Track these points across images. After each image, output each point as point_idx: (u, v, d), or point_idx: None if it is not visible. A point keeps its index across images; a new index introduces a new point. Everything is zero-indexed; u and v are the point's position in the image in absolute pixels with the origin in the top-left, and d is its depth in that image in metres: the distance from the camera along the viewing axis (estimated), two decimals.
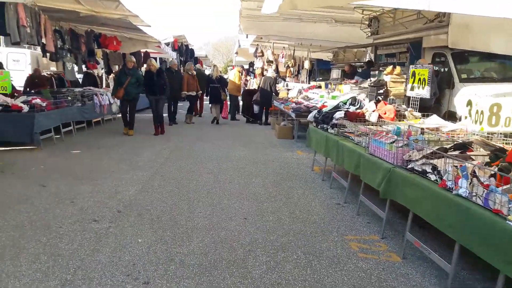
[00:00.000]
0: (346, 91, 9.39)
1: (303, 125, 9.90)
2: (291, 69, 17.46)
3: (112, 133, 9.77)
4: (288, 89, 13.29)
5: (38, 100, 7.44)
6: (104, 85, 14.32)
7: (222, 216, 4.45)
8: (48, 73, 12.71)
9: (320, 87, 11.74)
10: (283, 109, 10.32)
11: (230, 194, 5.28)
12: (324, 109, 6.41)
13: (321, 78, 19.41)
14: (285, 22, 11.49)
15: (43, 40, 8.70)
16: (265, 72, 14.97)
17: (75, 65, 10.96)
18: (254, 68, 23.52)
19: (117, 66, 15.38)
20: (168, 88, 9.92)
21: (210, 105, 12.71)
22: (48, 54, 9.77)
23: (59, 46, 9.65)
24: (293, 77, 18.52)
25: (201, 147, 8.48)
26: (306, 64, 15.01)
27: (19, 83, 11.32)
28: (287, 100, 10.99)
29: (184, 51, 25.05)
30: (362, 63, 15.30)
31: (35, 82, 10.83)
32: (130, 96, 9.38)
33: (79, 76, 13.09)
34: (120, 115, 10.83)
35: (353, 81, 9.42)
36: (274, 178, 6.21)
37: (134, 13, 9.81)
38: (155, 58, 24.52)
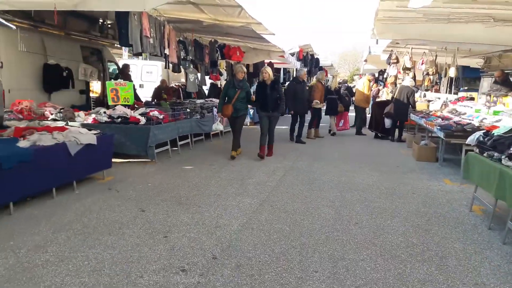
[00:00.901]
0: None
1: (449, 145, 7.91)
2: (431, 77, 15.07)
3: (228, 148, 9.18)
4: (429, 101, 11.18)
5: (155, 112, 7.18)
6: None
7: (347, 282, 3.16)
8: (177, 84, 13.02)
9: (472, 99, 9.47)
10: (424, 125, 8.45)
11: (357, 243, 3.94)
12: (495, 131, 4.60)
13: (466, 88, 16.49)
14: (428, 24, 9.53)
15: (166, 51, 8.55)
16: (399, 81, 13.06)
17: (198, 76, 10.78)
18: (385, 76, 21.37)
19: None
20: (283, 104, 8.32)
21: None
22: (171, 65, 9.70)
23: (182, 57, 9.51)
24: (431, 86, 16.06)
25: (321, 168, 7.24)
26: (452, 72, 12.56)
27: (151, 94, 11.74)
28: (429, 114, 9.05)
29: (309, 60, 24.18)
30: None
31: (162, 93, 11.02)
32: (238, 114, 7.89)
33: (205, 88, 13.13)
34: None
35: None
36: (417, 220, 4.64)
37: (257, 20, 9.14)
38: (279, 69, 24.35)
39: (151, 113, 7.09)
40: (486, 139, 4.63)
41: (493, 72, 13.95)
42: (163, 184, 5.83)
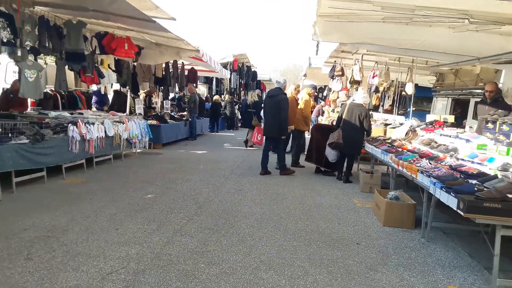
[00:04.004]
0: None
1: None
2: (379, 94, 11.96)
3: (99, 188, 5.06)
4: (386, 124, 7.82)
5: None
6: (128, 109, 9.86)
7: None
8: (52, 90, 8.52)
9: (454, 124, 6.14)
10: (394, 166, 4.88)
11: None
12: None
13: (414, 109, 13.74)
14: (384, 24, 6.08)
15: None
16: (344, 98, 9.74)
17: (45, 74, 6.36)
18: (325, 93, 18.22)
19: (147, 84, 11.03)
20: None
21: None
22: None
23: (4, 40, 5.21)
24: (381, 105, 13.08)
25: (216, 261, 3.33)
26: (409, 88, 9.37)
27: None
28: (395, 147, 5.54)
29: (245, 72, 20.51)
30: None
31: (11, 99, 6.77)
32: None
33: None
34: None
35: None
36: None
37: None
38: (211, 78, 20.35)
39: None
40: None
41: (448, 91, 11.11)
42: None
